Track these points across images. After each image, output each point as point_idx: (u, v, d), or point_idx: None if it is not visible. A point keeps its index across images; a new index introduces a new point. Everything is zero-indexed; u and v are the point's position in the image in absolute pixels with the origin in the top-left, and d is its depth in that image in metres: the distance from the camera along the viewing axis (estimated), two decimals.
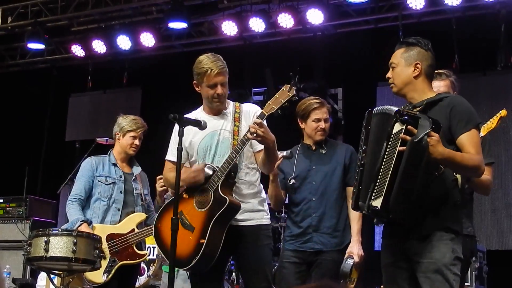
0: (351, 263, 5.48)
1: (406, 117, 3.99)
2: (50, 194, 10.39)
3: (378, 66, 9.81)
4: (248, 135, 4.63)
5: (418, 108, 4.19)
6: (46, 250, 5.23)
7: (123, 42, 11.39)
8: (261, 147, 4.79)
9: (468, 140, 4.08)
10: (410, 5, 9.77)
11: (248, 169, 4.94)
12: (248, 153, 4.92)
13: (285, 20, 10.32)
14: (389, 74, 4.38)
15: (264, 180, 5.22)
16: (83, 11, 11.61)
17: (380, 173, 4.02)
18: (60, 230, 5.54)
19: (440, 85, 4.96)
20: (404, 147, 3.94)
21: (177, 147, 4.59)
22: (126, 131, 6.09)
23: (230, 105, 5.05)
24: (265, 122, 4.68)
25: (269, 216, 5.03)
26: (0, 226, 9.52)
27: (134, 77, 12.02)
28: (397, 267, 4.24)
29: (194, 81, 5.01)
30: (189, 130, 4.89)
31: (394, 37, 9.48)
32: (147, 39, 11.35)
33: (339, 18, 10.54)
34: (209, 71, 4.87)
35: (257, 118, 4.66)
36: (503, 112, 5.05)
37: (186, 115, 5.03)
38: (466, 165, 4.06)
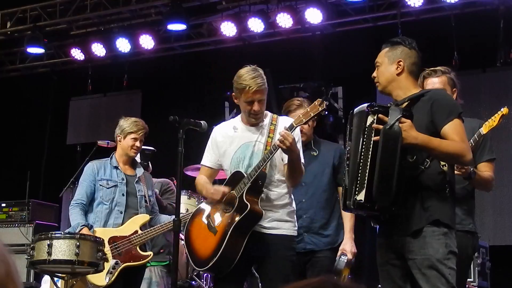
0: (345, 260, 5.56)
1: (376, 108, 4.09)
2: (52, 197, 10.42)
3: None
4: (277, 142, 4.69)
5: (401, 105, 4.23)
6: (49, 254, 5.25)
7: (123, 44, 11.39)
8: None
9: (451, 130, 4.10)
10: (408, 3, 9.77)
11: (280, 182, 4.97)
12: (281, 166, 4.95)
13: (284, 20, 10.32)
14: (374, 74, 4.45)
15: None
16: (82, 15, 11.61)
17: (360, 167, 4.08)
18: (62, 233, 5.56)
19: (435, 82, 5.01)
20: (378, 137, 4.02)
21: (179, 149, 4.64)
22: (127, 133, 6.10)
23: (268, 116, 5.09)
24: (296, 136, 4.79)
25: (295, 228, 5.05)
26: (3, 230, 9.53)
27: (134, 80, 12.03)
28: (392, 265, 4.26)
29: (233, 93, 5.03)
30: (225, 139, 5.04)
31: (393, 35, 9.48)
32: (146, 42, 11.35)
33: (337, 17, 10.54)
34: (247, 88, 4.85)
35: (287, 128, 4.72)
36: (504, 110, 5.05)
37: (225, 122, 5.23)
38: (446, 151, 4.07)
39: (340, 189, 5.44)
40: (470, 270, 7.21)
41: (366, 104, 4.17)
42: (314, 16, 10.08)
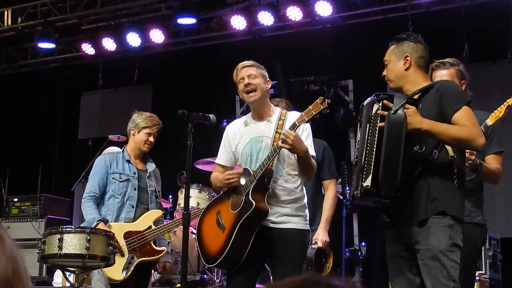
0: (315, 248, 5.71)
1: (381, 95, 4.15)
2: (64, 192, 10.45)
3: None
4: (279, 143, 4.72)
5: (413, 97, 4.25)
6: (60, 248, 5.25)
7: (133, 39, 11.41)
8: None
9: (461, 116, 4.11)
10: None
11: (289, 176, 4.98)
12: (290, 160, 4.96)
13: (294, 13, 10.31)
14: (384, 72, 4.49)
15: None
16: (93, 10, 11.62)
17: (367, 155, 4.12)
18: (73, 227, 5.57)
19: (443, 74, 4.99)
20: (383, 123, 4.05)
21: (188, 143, 4.67)
22: (142, 127, 6.10)
23: (276, 111, 5.13)
24: (305, 130, 4.91)
25: (307, 223, 5.07)
26: (15, 225, 9.57)
27: (145, 74, 12.05)
28: (401, 257, 4.27)
29: (238, 89, 5.18)
30: (236, 134, 5.11)
31: (404, 27, 9.46)
32: (157, 36, 11.37)
33: (347, 9, 10.52)
34: (236, 70, 5.11)
35: (289, 128, 4.75)
36: (510, 101, 5.03)
37: (238, 119, 5.29)
38: (454, 135, 4.07)
39: (325, 182, 5.87)
40: (481, 262, 7.21)
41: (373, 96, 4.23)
42: (324, 9, 10.06)
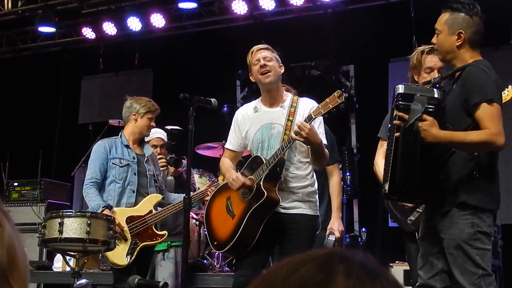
0: (333, 239, 5.67)
1: (399, 102, 4.03)
2: (65, 176, 10.46)
3: (390, 42, 9.85)
4: (293, 135, 4.72)
5: (443, 79, 4.25)
6: (61, 232, 5.25)
7: (134, 23, 11.37)
8: None
9: (483, 115, 3.99)
10: None
11: (301, 163, 5.00)
12: (302, 148, 4.97)
13: None
14: (433, 40, 4.31)
15: None
16: None
17: (390, 159, 4.10)
18: (74, 211, 5.56)
19: (437, 60, 4.80)
20: (399, 133, 4.01)
21: (189, 127, 4.68)
22: (144, 112, 6.10)
23: (288, 98, 5.13)
24: (319, 123, 4.95)
25: (317, 208, 5.10)
26: (15, 210, 9.56)
27: (146, 59, 12.02)
28: (429, 241, 4.28)
29: (250, 73, 5.17)
30: (246, 120, 5.11)
31: (406, 13, 9.42)
32: (158, 20, 11.32)
33: None
34: (252, 53, 5.09)
35: (305, 120, 4.75)
36: None
37: (247, 104, 5.29)
38: (473, 143, 4.00)
39: (328, 168, 5.79)
40: (491, 249, 7.20)
41: (400, 88, 4.10)
42: None
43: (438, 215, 4.15)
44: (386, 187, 4.12)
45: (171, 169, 6.83)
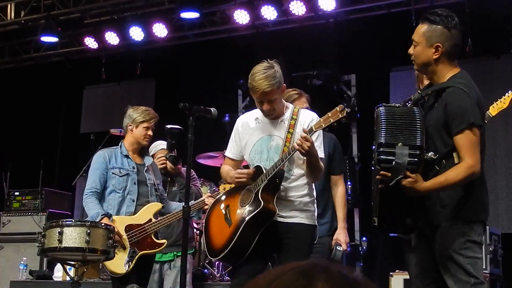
0: (341, 250, 5.72)
1: (380, 157, 3.98)
2: (66, 186, 10.46)
3: (391, 52, 9.86)
4: (295, 145, 4.71)
5: (427, 94, 4.22)
6: (60, 241, 5.26)
7: (136, 33, 11.39)
8: None
9: (462, 143, 3.98)
10: None
11: (298, 175, 5.00)
12: (299, 161, 4.97)
13: (297, 8, 10.28)
14: (410, 50, 4.25)
15: None
16: (96, 3, 11.60)
17: (375, 194, 4.15)
18: (73, 220, 5.57)
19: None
20: (383, 185, 4.00)
21: (189, 136, 4.67)
22: (139, 122, 6.11)
23: (289, 110, 5.10)
24: (317, 136, 4.91)
25: (315, 218, 5.10)
26: (16, 219, 9.58)
27: (148, 68, 12.03)
28: (423, 249, 4.29)
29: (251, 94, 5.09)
30: (247, 130, 5.09)
31: (407, 22, 9.43)
32: (160, 30, 11.34)
33: (351, 4, 10.48)
34: (254, 89, 4.86)
35: (306, 132, 4.74)
36: None
37: (248, 112, 5.24)
38: (454, 183, 4.01)
39: (334, 177, 5.83)
40: (482, 257, 7.19)
41: (381, 111, 4.17)
42: (327, 3, 10.03)
43: (429, 227, 4.16)
44: (375, 220, 4.16)
45: (169, 164, 6.83)
